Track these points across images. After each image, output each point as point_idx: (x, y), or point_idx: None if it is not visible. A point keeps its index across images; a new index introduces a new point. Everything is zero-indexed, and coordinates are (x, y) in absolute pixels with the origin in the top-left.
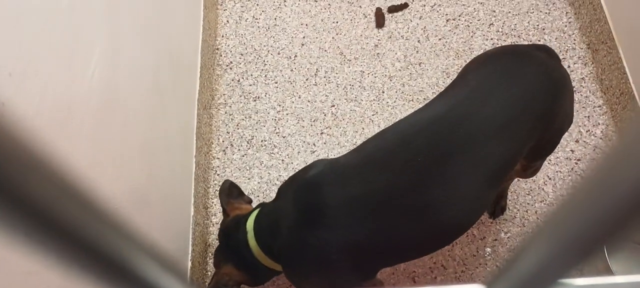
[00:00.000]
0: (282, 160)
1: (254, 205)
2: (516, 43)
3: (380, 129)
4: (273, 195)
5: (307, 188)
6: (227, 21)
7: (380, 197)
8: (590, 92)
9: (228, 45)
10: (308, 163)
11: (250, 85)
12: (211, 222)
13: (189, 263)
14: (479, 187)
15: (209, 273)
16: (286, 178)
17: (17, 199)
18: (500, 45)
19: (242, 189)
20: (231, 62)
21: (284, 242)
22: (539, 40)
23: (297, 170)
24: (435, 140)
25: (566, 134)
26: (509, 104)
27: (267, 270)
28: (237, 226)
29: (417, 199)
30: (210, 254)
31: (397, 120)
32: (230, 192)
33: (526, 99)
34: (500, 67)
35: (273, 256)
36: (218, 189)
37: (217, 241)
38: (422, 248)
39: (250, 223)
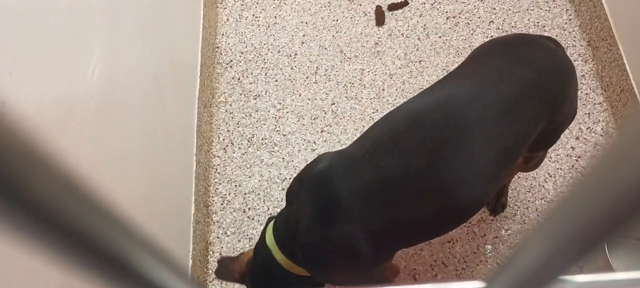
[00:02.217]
0: (283, 158)
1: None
2: None
3: None
4: (273, 193)
5: (318, 185)
6: (227, 19)
7: (394, 181)
8: (590, 89)
9: (228, 44)
10: (309, 161)
11: (251, 83)
12: (212, 220)
13: (190, 262)
14: (492, 165)
15: (210, 271)
16: (291, 179)
17: (19, 197)
18: None
19: (243, 187)
20: (231, 61)
21: (305, 243)
22: None
23: (298, 169)
24: (449, 118)
25: (567, 131)
26: (519, 85)
27: (300, 279)
28: (257, 253)
29: (433, 178)
30: (211, 252)
31: None
32: (228, 264)
33: (536, 82)
34: (512, 51)
35: (302, 261)
36: (218, 188)
37: (217, 239)
38: (439, 227)
39: (269, 239)
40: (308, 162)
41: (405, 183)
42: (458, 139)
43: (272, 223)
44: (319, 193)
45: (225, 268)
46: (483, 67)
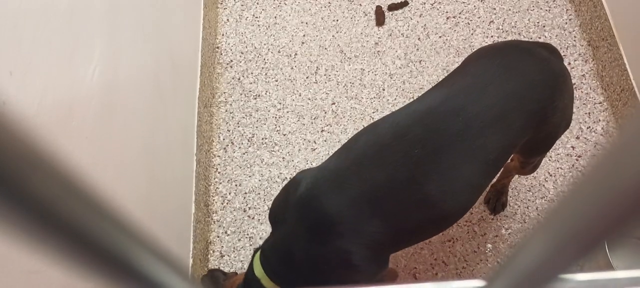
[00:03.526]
0: (283, 158)
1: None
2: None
3: None
4: (273, 192)
5: (306, 204)
6: (228, 20)
7: (380, 193)
8: (590, 88)
9: (228, 44)
10: (292, 177)
11: (251, 83)
12: (212, 219)
13: (190, 261)
14: (474, 176)
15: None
16: (271, 205)
17: (20, 197)
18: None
19: (243, 187)
20: (231, 61)
21: (304, 266)
22: (539, 38)
23: (298, 168)
24: (431, 132)
25: (567, 131)
26: (505, 97)
27: None
28: (247, 284)
29: (415, 191)
30: (211, 251)
31: None
32: (216, 278)
33: (522, 94)
34: (500, 60)
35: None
36: (218, 187)
37: (217, 238)
38: (424, 234)
39: (258, 269)
40: (287, 183)
41: (391, 194)
42: (439, 153)
43: (258, 253)
44: (308, 213)
45: (214, 281)
46: (469, 78)
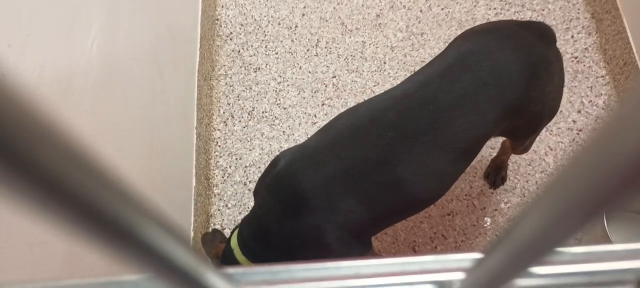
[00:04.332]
0: (283, 132)
1: None
2: (519, 13)
3: None
4: None
5: (281, 180)
6: None
7: (354, 172)
8: (593, 62)
9: (228, 16)
10: (276, 155)
11: (251, 56)
12: (213, 193)
13: (192, 234)
14: (445, 163)
15: None
16: (257, 182)
17: (23, 167)
18: (502, 15)
19: (244, 160)
20: (231, 33)
21: (276, 240)
22: (543, 10)
23: (298, 142)
24: (404, 117)
25: (568, 104)
26: (477, 86)
27: None
28: (224, 254)
29: (386, 174)
30: (212, 224)
31: None
32: (214, 239)
33: (495, 83)
34: (478, 47)
35: (268, 261)
36: (219, 160)
37: (218, 211)
38: (398, 215)
39: (233, 241)
40: (271, 160)
41: (364, 174)
42: (411, 138)
43: (239, 226)
44: (282, 188)
45: (213, 242)
46: (445, 66)
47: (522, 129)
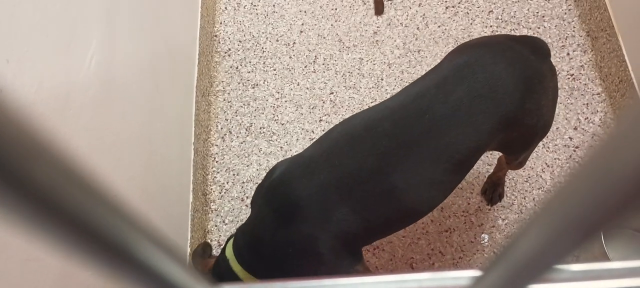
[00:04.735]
0: (281, 147)
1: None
2: (515, 31)
3: None
4: None
5: (276, 189)
6: (226, 8)
7: (349, 180)
8: (589, 79)
9: (226, 32)
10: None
11: (249, 72)
12: (210, 208)
13: (188, 250)
14: (440, 173)
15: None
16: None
17: (19, 184)
18: (499, 33)
19: (241, 176)
20: (229, 49)
21: (270, 249)
22: (539, 28)
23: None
24: (399, 127)
25: (564, 121)
26: (472, 98)
27: None
28: (217, 264)
29: (381, 183)
30: (209, 240)
31: None
32: (204, 254)
33: (490, 95)
34: (474, 60)
35: (262, 270)
36: (216, 176)
37: (215, 227)
38: (392, 226)
39: (229, 250)
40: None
41: (358, 183)
42: (405, 148)
43: (233, 235)
44: (276, 196)
45: (201, 253)
46: (441, 78)
47: (517, 142)
